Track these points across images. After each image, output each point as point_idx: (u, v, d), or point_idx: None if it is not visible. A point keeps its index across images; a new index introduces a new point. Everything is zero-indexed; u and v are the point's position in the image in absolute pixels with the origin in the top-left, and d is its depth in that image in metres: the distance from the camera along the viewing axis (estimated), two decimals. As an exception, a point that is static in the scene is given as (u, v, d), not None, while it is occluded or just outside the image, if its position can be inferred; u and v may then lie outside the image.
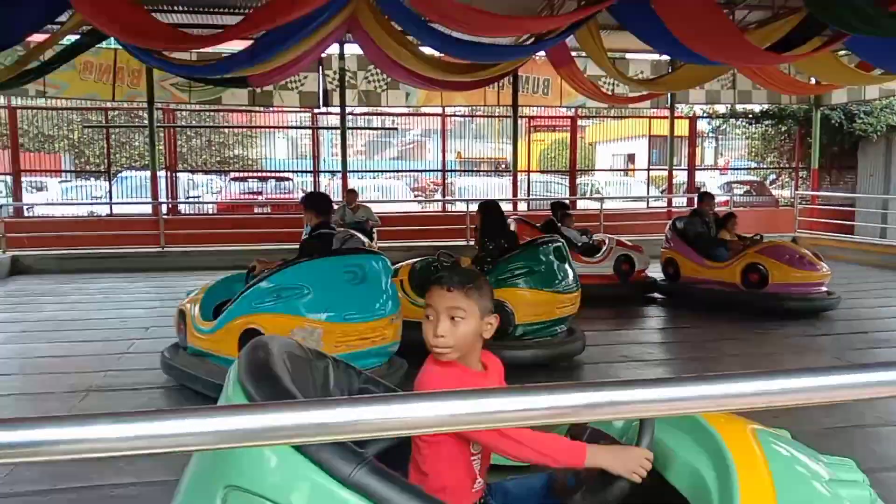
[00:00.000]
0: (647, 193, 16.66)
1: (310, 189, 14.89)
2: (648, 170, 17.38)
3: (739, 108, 16.62)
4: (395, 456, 1.99)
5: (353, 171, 14.47)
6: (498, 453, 1.82)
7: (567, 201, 10.09)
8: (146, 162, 13.27)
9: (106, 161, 14.50)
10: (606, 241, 8.71)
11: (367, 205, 11.42)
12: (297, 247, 4.95)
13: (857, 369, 1.18)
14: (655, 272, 8.79)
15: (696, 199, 8.92)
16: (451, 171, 16.10)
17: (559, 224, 8.95)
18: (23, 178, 13.23)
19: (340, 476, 1.42)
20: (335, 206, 10.94)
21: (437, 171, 15.75)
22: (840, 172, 16.49)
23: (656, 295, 8.61)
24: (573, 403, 1.08)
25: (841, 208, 14.76)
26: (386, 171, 16.84)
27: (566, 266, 5.87)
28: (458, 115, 15.83)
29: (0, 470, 3.49)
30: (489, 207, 6.43)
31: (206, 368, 4.68)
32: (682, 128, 15.68)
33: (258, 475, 1.48)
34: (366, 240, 10.16)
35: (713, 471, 1.83)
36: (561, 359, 5.63)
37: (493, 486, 2.02)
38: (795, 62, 8.73)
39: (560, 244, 5.95)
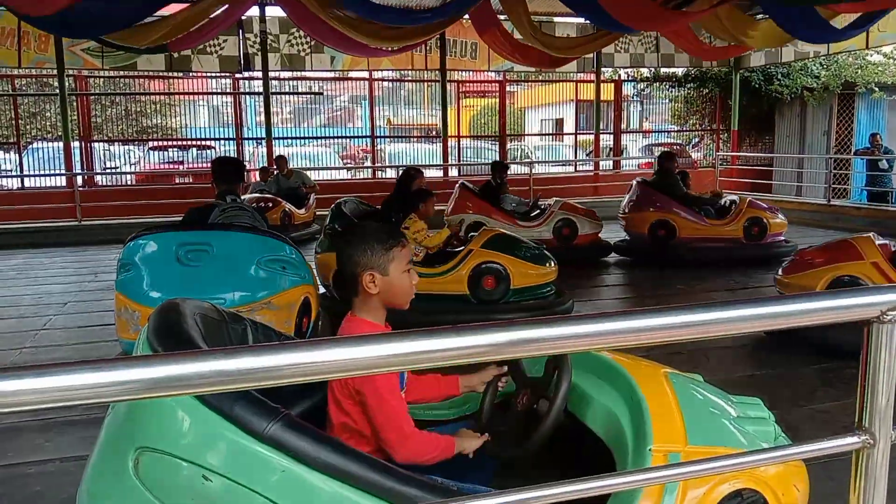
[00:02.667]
0: (575, 157, 16.92)
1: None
2: (576, 134, 17.65)
3: (663, 71, 16.95)
4: (322, 414, 1.98)
5: (279, 139, 14.14)
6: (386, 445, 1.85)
7: (506, 163, 9.92)
8: (59, 133, 12.61)
9: (15, 132, 13.73)
10: (551, 205, 8.53)
11: (302, 171, 11.25)
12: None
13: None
14: (612, 234, 8.72)
15: (657, 160, 8.84)
16: (381, 137, 15.93)
17: (496, 186, 8.76)
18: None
19: (256, 431, 1.40)
20: (251, 173, 10.76)
21: (366, 137, 15.56)
22: (759, 134, 17.06)
23: (612, 258, 8.53)
24: (496, 342, 1.09)
25: (759, 168, 15.34)
26: (313, 138, 16.50)
27: None
28: (386, 80, 15.62)
29: None
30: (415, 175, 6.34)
31: None
32: (608, 92, 15.91)
33: (171, 435, 1.44)
34: (291, 207, 10.01)
35: (627, 412, 1.89)
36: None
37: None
38: (701, 20, 8.81)
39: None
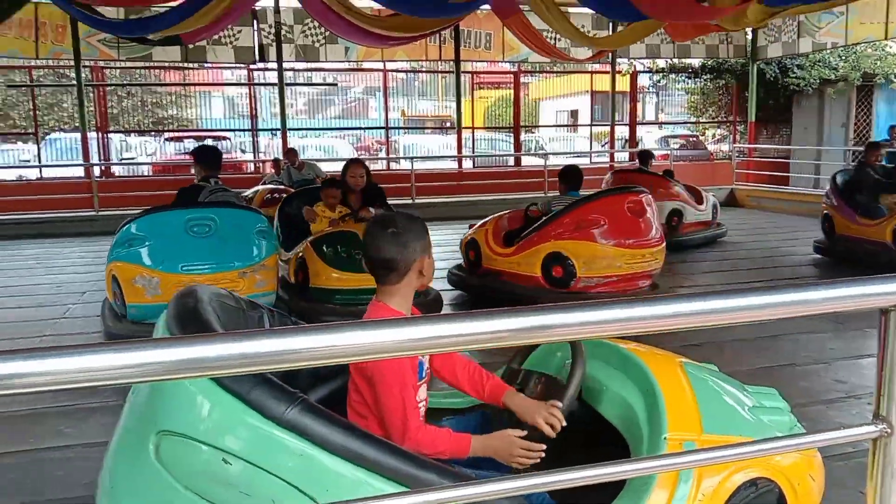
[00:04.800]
0: (590, 149, 16.83)
1: (248, 149, 14.58)
2: (591, 125, 17.56)
3: (679, 63, 16.81)
4: (338, 401, 2.00)
5: (294, 130, 14.17)
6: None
7: (652, 151, 10.31)
8: (76, 124, 12.73)
9: (33, 123, 13.86)
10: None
11: (313, 162, 11.25)
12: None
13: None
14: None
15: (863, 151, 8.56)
16: (395, 128, 15.92)
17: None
18: (-57, 142, 12.59)
19: (274, 416, 1.41)
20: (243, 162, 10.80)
21: (380, 128, 15.56)
22: (776, 126, 16.89)
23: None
24: (509, 328, 1.09)
25: (776, 160, 15.20)
26: (328, 130, 16.52)
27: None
28: (400, 71, 15.60)
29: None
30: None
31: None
32: (623, 83, 15.81)
33: (191, 419, 1.46)
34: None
35: (642, 401, 1.89)
36: None
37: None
38: (726, 17, 8.74)
39: None
